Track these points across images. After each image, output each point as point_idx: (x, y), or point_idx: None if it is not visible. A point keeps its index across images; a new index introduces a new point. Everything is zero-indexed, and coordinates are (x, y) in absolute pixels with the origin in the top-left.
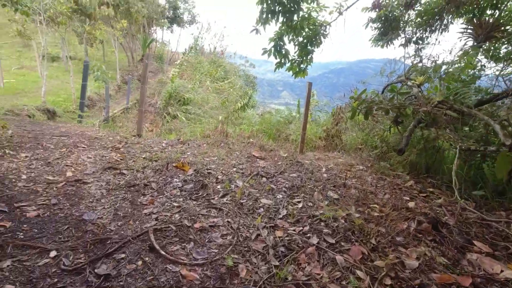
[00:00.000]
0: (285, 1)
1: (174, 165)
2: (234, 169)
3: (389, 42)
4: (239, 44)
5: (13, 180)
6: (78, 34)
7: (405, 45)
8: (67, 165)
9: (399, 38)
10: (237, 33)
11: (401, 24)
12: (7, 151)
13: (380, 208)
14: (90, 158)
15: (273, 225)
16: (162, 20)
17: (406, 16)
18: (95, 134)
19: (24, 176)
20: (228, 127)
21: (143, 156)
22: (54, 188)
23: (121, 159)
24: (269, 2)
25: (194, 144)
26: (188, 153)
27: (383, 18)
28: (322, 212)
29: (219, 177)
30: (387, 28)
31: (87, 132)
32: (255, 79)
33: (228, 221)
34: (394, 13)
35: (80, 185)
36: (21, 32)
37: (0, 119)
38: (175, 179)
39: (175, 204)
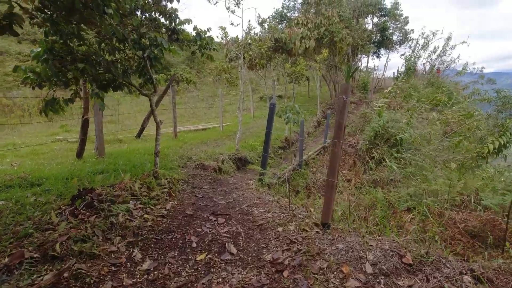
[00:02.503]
0: None
1: None
2: None
3: None
4: (464, 55)
5: None
6: (284, 74)
7: None
8: None
9: None
10: (462, 42)
11: None
12: (134, 253)
13: None
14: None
15: None
16: (368, 46)
17: None
18: (262, 213)
19: None
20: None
21: None
22: None
23: None
24: None
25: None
26: None
27: None
28: None
29: None
30: None
31: (257, 203)
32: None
33: None
34: None
35: None
36: (229, 80)
37: (179, 180)
38: None
39: None
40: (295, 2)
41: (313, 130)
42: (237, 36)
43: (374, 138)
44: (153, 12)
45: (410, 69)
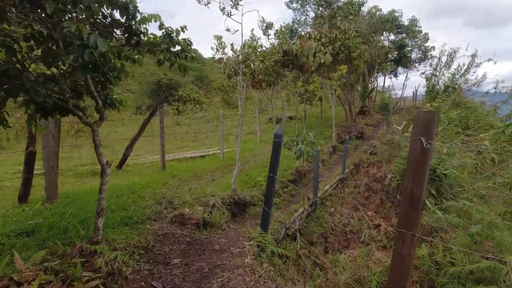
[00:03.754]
0: None
1: None
2: None
3: None
4: (491, 73)
5: None
6: (295, 93)
7: None
8: None
9: None
10: (488, 59)
11: None
12: None
13: None
14: None
15: None
16: (386, 64)
17: None
18: None
19: None
20: None
21: None
22: None
23: None
24: None
25: None
26: None
27: None
28: None
29: None
30: None
31: None
32: None
33: None
34: None
35: None
36: (226, 100)
37: (137, 248)
38: None
39: None
40: (307, 17)
41: (328, 157)
42: (232, 44)
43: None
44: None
45: (432, 89)
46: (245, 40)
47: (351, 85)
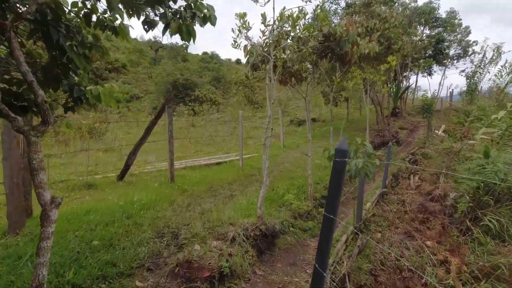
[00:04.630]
0: None
1: None
2: None
3: None
4: None
5: None
6: (323, 94)
7: None
8: None
9: None
10: None
11: None
12: None
13: None
14: None
15: None
16: (424, 60)
17: None
18: None
19: None
20: None
21: None
22: None
23: None
24: None
25: None
26: None
27: None
28: None
29: None
30: None
31: None
32: None
33: None
34: None
35: None
36: (249, 96)
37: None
38: None
39: None
40: (338, 6)
41: None
42: (264, 15)
43: (478, 191)
44: None
45: (472, 88)
46: (275, 17)
47: (386, 83)
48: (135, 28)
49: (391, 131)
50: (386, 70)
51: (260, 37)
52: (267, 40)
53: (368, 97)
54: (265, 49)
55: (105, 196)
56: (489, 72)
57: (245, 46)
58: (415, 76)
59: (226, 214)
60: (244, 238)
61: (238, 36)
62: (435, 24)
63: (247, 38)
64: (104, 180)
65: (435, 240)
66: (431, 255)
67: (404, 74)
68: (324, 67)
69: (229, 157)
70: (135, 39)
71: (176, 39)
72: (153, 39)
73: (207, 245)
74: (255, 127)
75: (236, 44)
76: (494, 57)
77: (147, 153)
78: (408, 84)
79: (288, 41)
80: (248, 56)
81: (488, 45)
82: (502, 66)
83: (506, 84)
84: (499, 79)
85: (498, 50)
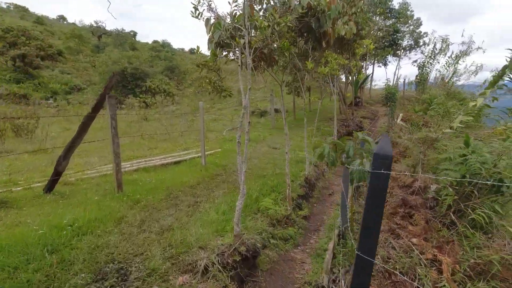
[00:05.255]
0: None
1: None
2: None
3: None
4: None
5: None
6: (286, 83)
7: None
8: None
9: None
10: (477, 48)
11: None
12: None
13: None
14: None
15: None
16: (384, 50)
17: None
18: None
19: None
20: None
21: None
22: None
23: None
24: None
25: None
26: None
27: None
28: None
29: None
30: None
31: None
32: None
33: None
34: None
35: None
36: (214, 83)
37: None
38: None
39: None
40: None
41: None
42: None
43: (462, 182)
44: None
45: (423, 77)
46: None
47: (349, 72)
48: (72, 10)
49: (355, 120)
50: (363, 55)
51: (229, 3)
52: (235, 10)
53: (335, 85)
54: (236, 22)
55: (21, 219)
56: (439, 62)
57: (207, 19)
58: (372, 66)
59: (193, 233)
60: (220, 268)
61: (199, 2)
62: (389, 15)
63: (210, 9)
64: (25, 194)
65: (422, 237)
66: (420, 255)
67: (362, 63)
68: (299, 47)
69: (190, 154)
70: (73, 23)
71: (122, 24)
72: (94, 24)
73: (170, 285)
74: (214, 120)
75: (198, 13)
76: (442, 48)
77: (88, 154)
78: (367, 74)
79: (261, 13)
80: (212, 31)
81: (435, 37)
82: (449, 57)
83: (452, 74)
84: (446, 70)
85: (446, 42)
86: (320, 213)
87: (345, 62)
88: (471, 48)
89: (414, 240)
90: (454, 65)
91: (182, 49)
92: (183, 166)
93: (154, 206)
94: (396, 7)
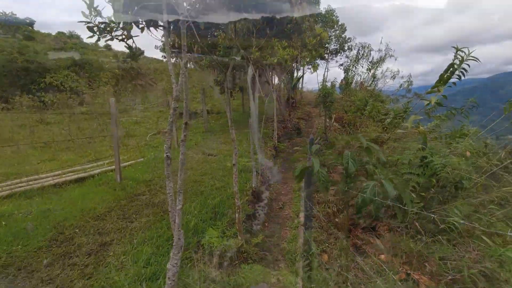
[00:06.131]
0: None
1: None
2: None
3: None
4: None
5: None
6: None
7: None
8: None
9: None
10: (390, 55)
11: None
12: None
13: None
14: None
15: None
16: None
17: None
18: None
19: None
20: None
21: None
22: None
23: None
24: None
25: None
26: None
27: None
28: None
29: None
30: None
31: None
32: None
33: None
34: None
35: None
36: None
37: None
38: None
39: None
40: None
41: (273, 164)
42: None
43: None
44: None
45: (348, 81)
46: None
47: (287, 72)
48: None
49: (292, 121)
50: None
51: None
52: None
53: (281, 82)
54: None
55: None
56: (362, 66)
57: None
58: (302, 68)
59: None
60: None
61: None
62: (317, 19)
63: None
64: None
65: (391, 254)
66: (393, 277)
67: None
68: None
69: (100, 168)
70: None
71: (14, 8)
72: None
73: None
74: (136, 122)
75: None
76: (365, 54)
77: None
78: (299, 75)
79: None
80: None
81: (355, 44)
82: (369, 62)
83: (373, 79)
84: (367, 74)
85: (368, 48)
86: (274, 235)
87: (294, 52)
88: (388, 55)
89: (382, 257)
90: (374, 70)
91: (96, 44)
92: (88, 185)
93: (21, 265)
94: (323, 12)
